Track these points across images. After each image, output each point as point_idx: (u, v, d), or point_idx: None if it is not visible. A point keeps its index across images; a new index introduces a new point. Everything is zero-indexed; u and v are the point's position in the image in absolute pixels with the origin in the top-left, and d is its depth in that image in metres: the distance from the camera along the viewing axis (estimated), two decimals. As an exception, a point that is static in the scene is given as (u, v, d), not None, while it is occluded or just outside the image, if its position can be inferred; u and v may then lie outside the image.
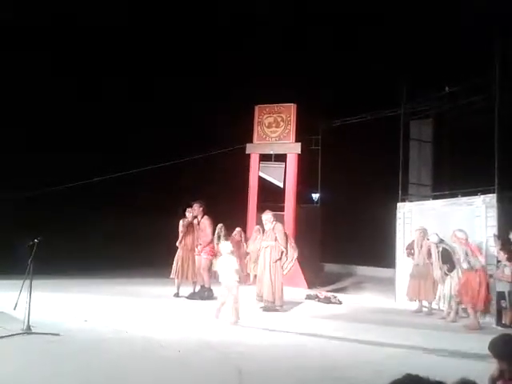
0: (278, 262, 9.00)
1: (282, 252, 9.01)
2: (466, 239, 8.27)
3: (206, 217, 10.24)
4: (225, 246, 7.75)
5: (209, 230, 10.20)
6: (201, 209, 10.29)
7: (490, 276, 8.07)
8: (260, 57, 17.86)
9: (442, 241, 8.92)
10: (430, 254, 9.17)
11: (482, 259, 8.19)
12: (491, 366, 3.17)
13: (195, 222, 10.40)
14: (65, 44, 15.70)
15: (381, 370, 4.83)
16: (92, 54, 16.29)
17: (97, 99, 16.68)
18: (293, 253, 9.12)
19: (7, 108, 14.06)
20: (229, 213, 14.26)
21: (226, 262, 7.46)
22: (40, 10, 14.46)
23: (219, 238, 13.70)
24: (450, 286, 8.52)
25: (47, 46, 15.25)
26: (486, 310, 8.03)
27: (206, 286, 10.09)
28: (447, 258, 8.63)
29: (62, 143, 15.85)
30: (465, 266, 8.05)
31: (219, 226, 13.79)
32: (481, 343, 4.57)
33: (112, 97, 16.82)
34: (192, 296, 9.96)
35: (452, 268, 8.51)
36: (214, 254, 10.93)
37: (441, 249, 8.76)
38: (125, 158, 15.69)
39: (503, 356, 3.11)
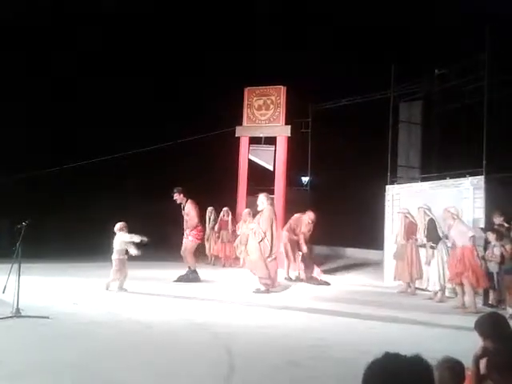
0: (264, 243, 9.02)
1: (263, 236, 9.04)
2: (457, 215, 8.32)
3: (189, 201, 10.29)
4: (116, 226, 8.63)
5: (193, 212, 10.18)
6: (181, 195, 10.28)
7: (483, 258, 8.10)
8: (250, 39, 17.73)
9: (430, 210, 8.96)
10: (411, 234, 9.25)
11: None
12: (476, 345, 3.20)
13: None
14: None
15: (368, 349, 4.88)
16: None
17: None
18: (273, 243, 9.12)
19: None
20: (219, 196, 14.24)
21: (118, 238, 8.53)
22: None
23: (209, 220, 13.78)
24: (437, 265, 8.57)
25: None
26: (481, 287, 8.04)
27: (192, 268, 10.14)
28: (433, 229, 8.69)
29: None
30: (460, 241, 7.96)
31: (209, 209, 13.83)
32: (467, 322, 4.63)
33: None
34: (179, 278, 10.00)
35: (437, 240, 8.54)
36: (201, 237, 10.94)
37: (428, 219, 8.82)
38: (111, 142, 15.58)
39: (489, 334, 3.15)
